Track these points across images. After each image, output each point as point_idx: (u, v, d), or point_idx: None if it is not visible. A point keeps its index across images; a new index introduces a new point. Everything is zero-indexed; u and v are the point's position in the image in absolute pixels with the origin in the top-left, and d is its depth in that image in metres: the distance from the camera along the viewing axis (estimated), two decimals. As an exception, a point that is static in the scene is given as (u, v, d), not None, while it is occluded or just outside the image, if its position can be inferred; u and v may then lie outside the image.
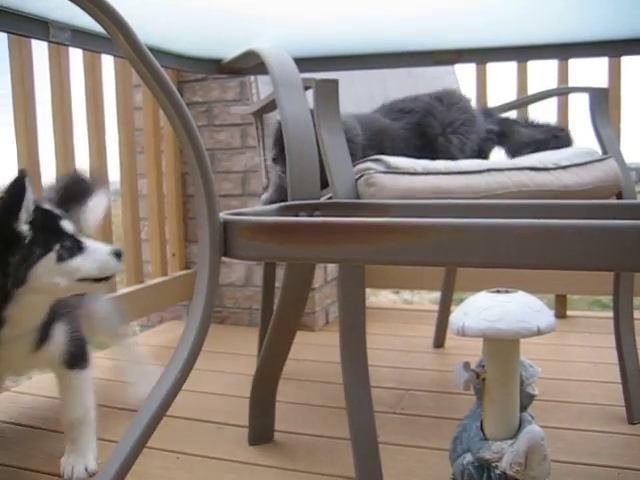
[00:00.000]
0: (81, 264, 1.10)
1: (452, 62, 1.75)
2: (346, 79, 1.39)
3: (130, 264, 2.34)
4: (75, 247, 1.10)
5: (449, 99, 1.54)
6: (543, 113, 2.37)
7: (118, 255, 1.13)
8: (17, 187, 1.03)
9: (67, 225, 1.12)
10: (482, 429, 1.02)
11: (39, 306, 1.13)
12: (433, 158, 1.34)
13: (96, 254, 1.12)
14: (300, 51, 1.50)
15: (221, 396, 1.71)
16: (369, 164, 1.21)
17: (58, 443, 1.41)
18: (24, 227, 1.04)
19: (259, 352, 1.74)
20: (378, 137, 1.43)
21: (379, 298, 3.81)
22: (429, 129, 1.49)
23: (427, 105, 1.52)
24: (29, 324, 1.14)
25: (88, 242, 1.12)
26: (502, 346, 0.98)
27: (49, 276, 1.07)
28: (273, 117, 1.79)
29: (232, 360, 2.03)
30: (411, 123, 1.49)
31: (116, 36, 0.81)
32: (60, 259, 1.07)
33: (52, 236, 1.08)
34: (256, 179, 2.42)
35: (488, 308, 0.95)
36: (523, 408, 1.03)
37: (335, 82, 1.22)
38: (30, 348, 1.17)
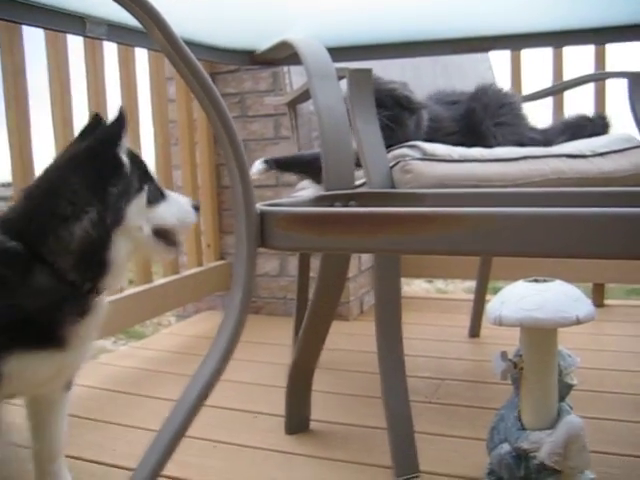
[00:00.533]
0: (165, 210, 1.04)
1: (487, 49, 1.73)
2: (380, 68, 1.38)
3: (166, 255, 2.36)
4: (159, 193, 1.04)
5: (498, 96, 1.55)
6: (580, 100, 2.33)
7: (197, 208, 1.09)
8: (119, 117, 0.99)
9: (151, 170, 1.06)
10: (520, 419, 1.02)
11: (126, 259, 1.01)
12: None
13: (178, 204, 1.06)
14: (333, 41, 1.49)
15: (256, 385, 1.72)
16: (405, 150, 1.20)
17: (99, 433, 1.43)
18: (125, 157, 0.99)
19: (294, 342, 1.75)
20: (434, 125, 1.45)
21: (412, 287, 3.80)
22: (476, 117, 1.49)
23: (475, 96, 1.53)
24: (120, 280, 1.03)
25: (168, 191, 1.07)
26: (540, 335, 0.97)
27: (138, 218, 0.99)
28: (306, 107, 1.79)
29: (267, 350, 2.04)
30: (460, 113, 1.50)
31: (152, 29, 0.81)
32: (149, 201, 1.01)
33: (143, 176, 1.02)
34: (290, 169, 2.42)
35: (526, 297, 0.95)
36: (561, 398, 1.03)
37: (369, 71, 1.22)
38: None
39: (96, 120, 1.03)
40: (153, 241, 1.02)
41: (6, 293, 0.88)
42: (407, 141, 1.25)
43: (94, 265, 0.94)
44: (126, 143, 0.99)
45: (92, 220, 0.92)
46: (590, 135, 1.53)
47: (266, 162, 1.52)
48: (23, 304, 0.89)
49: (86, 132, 1.02)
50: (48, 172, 0.98)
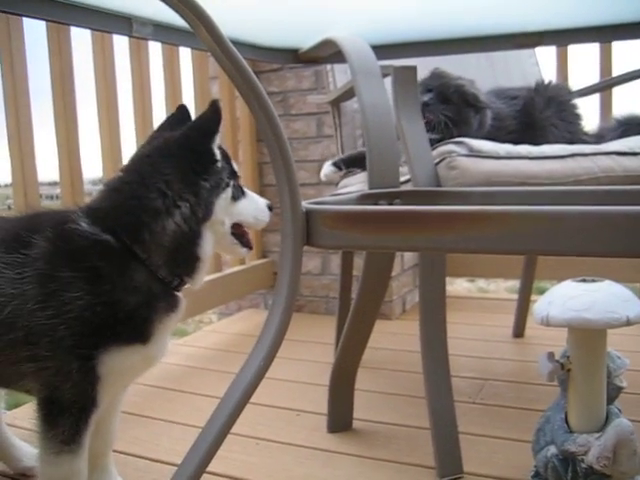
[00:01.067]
0: (245, 207, 1.02)
1: (534, 45, 1.71)
2: (424, 66, 1.37)
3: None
4: (240, 189, 1.02)
5: (559, 92, 1.54)
6: (629, 97, 2.28)
7: (270, 209, 1.06)
8: (214, 109, 0.95)
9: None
10: (567, 421, 1.00)
11: (210, 254, 1.00)
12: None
13: (256, 202, 1.05)
14: (377, 38, 1.49)
15: (299, 383, 1.72)
16: (451, 147, 1.19)
17: (143, 428, 1.45)
18: (217, 151, 0.97)
19: (337, 340, 1.75)
20: (496, 124, 1.44)
21: (454, 287, 3.77)
22: (535, 111, 1.48)
23: (536, 90, 1.53)
24: (203, 276, 1.01)
25: (246, 189, 1.05)
26: (589, 336, 0.96)
27: (224, 213, 0.98)
28: (350, 105, 1.79)
29: (309, 348, 2.04)
30: (518, 109, 1.49)
31: (198, 29, 0.82)
32: (233, 197, 0.99)
33: (230, 171, 1.00)
34: (332, 168, 2.42)
35: (574, 297, 0.93)
36: (610, 401, 1.01)
37: (414, 69, 1.21)
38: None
39: (182, 111, 1.02)
40: (230, 237, 1.01)
41: (104, 288, 0.87)
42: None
43: (184, 261, 0.94)
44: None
45: (185, 214, 0.91)
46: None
47: (335, 164, 1.52)
48: (122, 301, 0.88)
49: (172, 123, 1.01)
50: (135, 162, 0.96)
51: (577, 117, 1.56)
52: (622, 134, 1.54)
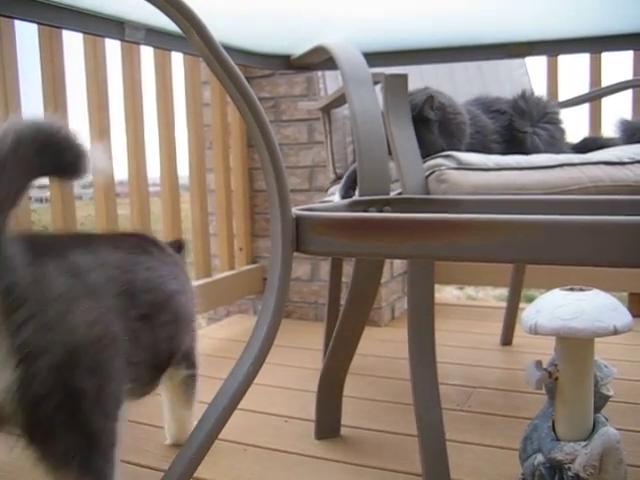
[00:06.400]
0: None
1: (523, 55, 1.72)
2: (415, 73, 1.38)
3: (198, 258, 2.39)
4: None
5: (539, 105, 1.54)
6: (617, 106, 2.30)
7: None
8: None
9: None
10: (554, 429, 1.00)
11: None
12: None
13: None
14: (369, 46, 1.50)
15: (287, 390, 1.72)
16: (440, 160, 1.19)
17: (131, 433, 1.44)
18: None
19: (325, 347, 1.75)
20: (479, 136, 1.43)
21: (443, 294, 3.78)
22: (518, 125, 1.48)
23: (516, 104, 1.52)
24: None
25: None
26: (576, 345, 0.96)
27: None
28: (340, 112, 1.79)
29: (298, 354, 2.04)
30: (504, 125, 1.49)
31: (190, 34, 0.82)
32: None
33: None
34: (323, 174, 2.43)
35: (562, 306, 0.93)
36: (597, 409, 1.01)
37: (404, 77, 1.21)
38: None
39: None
40: None
41: None
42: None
43: None
44: None
45: None
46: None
47: (342, 196, 1.50)
48: None
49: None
50: None
51: (562, 131, 1.56)
52: (628, 140, 1.55)
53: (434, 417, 1.15)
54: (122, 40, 1.31)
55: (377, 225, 0.82)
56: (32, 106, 1.74)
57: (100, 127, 1.89)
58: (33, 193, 1.88)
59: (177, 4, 0.79)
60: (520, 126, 1.49)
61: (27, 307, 0.79)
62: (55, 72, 1.72)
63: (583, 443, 0.96)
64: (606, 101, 2.12)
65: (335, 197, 1.50)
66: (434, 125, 1.36)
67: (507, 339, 2.08)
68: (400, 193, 1.16)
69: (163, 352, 1.07)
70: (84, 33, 1.62)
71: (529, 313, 0.98)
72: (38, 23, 1.40)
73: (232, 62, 0.82)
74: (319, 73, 1.85)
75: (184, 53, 1.99)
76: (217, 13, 1.21)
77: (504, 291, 2.09)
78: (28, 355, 0.78)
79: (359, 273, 1.23)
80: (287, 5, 1.29)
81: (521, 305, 2.03)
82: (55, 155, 0.79)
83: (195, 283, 2.30)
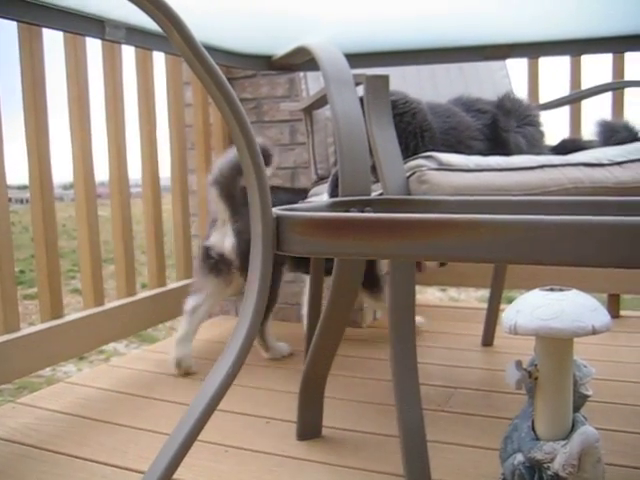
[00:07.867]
0: None
1: (504, 57, 1.73)
2: (397, 75, 1.38)
3: (180, 259, 2.38)
4: None
5: (520, 108, 1.54)
6: (597, 109, 2.32)
7: None
8: None
9: None
10: (534, 429, 1.01)
11: None
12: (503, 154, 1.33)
13: None
14: (351, 47, 1.50)
15: (269, 391, 1.72)
16: (420, 161, 1.20)
17: (110, 435, 1.44)
18: None
19: (307, 348, 1.75)
20: (455, 132, 1.43)
21: (425, 295, 3.79)
22: (503, 124, 1.49)
23: (501, 103, 1.53)
24: None
25: None
26: (556, 345, 0.97)
27: None
28: (322, 113, 1.80)
29: (280, 355, 2.04)
30: (487, 124, 1.49)
31: (171, 33, 0.82)
32: None
33: None
34: (305, 175, 2.42)
35: (542, 306, 0.94)
36: (576, 409, 1.02)
37: (386, 78, 1.21)
38: None
39: None
40: None
41: None
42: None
43: None
44: None
45: None
46: (618, 143, 1.51)
47: (331, 195, 1.49)
48: None
49: None
50: None
51: (541, 134, 1.57)
52: (606, 141, 1.56)
53: (415, 418, 1.15)
54: (103, 39, 1.30)
55: (358, 225, 0.82)
56: (11, 106, 1.72)
57: (81, 127, 1.88)
58: (13, 194, 1.86)
59: (157, 2, 0.79)
60: (505, 125, 1.49)
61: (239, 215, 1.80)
62: (35, 72, 1.71)
63: (562, 442, 0.96)
64: (586, 103, 2.13)
65: (324, 196, 1.50)
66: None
67: (488, 340, 2.09)
68: (381, 194, 1.16)
69: None
70: (65, 31, 1.61)
71: (509, 313, 0.98)
72: (18, 21, 1.39)
73: (213, 62, 0.82)
74: (301, 74, 1.86)
75: (165, 53, 1.99)
76: (198, 12, 1.21)
77: (486, 292, 2.09)
78: (238, 233, 1.81)
79: (340, 274, 1.23)
80: (269, 5, 1.29)
81: (502, 306, 2.05)
82: None
83: (176, 284, 2.30)
